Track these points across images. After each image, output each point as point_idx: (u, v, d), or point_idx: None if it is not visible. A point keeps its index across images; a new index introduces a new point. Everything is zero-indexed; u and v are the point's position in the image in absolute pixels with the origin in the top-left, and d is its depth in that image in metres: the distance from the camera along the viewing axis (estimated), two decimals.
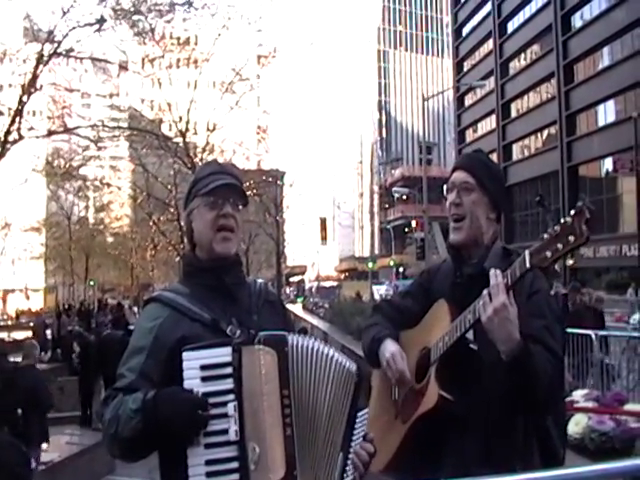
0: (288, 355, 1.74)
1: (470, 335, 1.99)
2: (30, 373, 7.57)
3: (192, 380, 1.69)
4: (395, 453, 2.12)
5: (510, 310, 1.81)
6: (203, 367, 1.69)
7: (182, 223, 13.85)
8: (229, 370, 1.69)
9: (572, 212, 1.71)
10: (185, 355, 1.70)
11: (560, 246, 1.71)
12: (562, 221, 1.71)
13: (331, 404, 1.78)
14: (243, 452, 1.65)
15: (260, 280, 2.14)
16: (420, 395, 2.06)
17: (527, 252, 1.79)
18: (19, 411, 6.80)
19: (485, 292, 1.84)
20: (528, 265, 1.78)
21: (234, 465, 1.65)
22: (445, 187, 2.25)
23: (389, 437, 2.15)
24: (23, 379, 7.22)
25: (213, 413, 1.66)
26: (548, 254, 1.73)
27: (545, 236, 1.75)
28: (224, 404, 1.67)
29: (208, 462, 1.66)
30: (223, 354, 1.70)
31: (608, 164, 33.15)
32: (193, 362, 1.70)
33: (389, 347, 2.18)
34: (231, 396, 1.68)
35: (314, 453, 1.74)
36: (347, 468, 1.79)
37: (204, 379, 1.69)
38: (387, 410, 2.23)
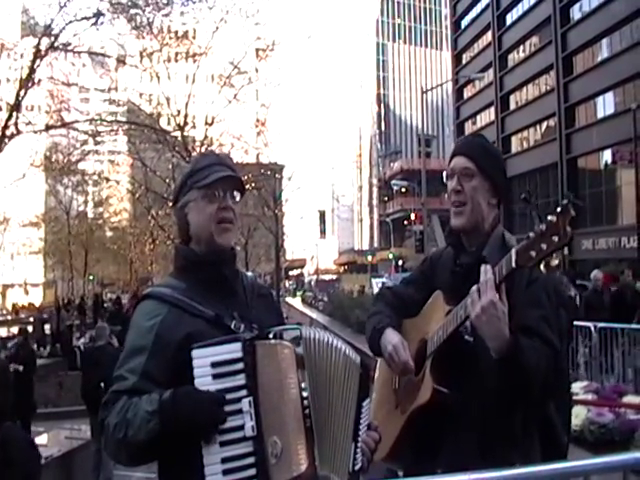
0: (304, 348, 1.74)
1: (468, 325, 1.95)
2: (108, 350, 8.29)
3: (203, 378, 1.66)
4: (394, 443, 2.12)
5: (498, 307, 1.77)
6: (214, 364, 1.66)
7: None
8: (241, 366, 1.66)
9: (558, 209, 1.68)
10: (195, 353, 1.66)
11: (544, 246, 1.69)
12: (548, 219, 1.69)
13: (343, 395, 1.78)
14: (260, 447, 1.63)
15: (249, 274, 2.12)
16: (417, 387, 2.05)
17: (514, 250, 1.77)
18: (102, 385, 7.38)
19: (474, 288, 1.82)
20: (514, 265, 1.76)
21: (250, 460, 1.63)
22: (445, 174, 2.22)
23: (390, 426, 2.14)
24: (103, 356, 7.91)
25: (227, 410, 1.64)
26: (533, 254, 1.71)
27: (531, 234, 1.72)
28: (238, 400, 1.65)
29: (224, 460, 1.63)
30: (233, 350, 1.67)
31: (607, 156, 33.07)
32: (203, 360, 1.66)
33: (390, 338, 2.14)
34: (244, 392, 1.65)
35: (330, 444, 1.73)
36: (357, 456, 1.79)
37: (215, 376, 1.66)
38: (388, 399, 2.23)
